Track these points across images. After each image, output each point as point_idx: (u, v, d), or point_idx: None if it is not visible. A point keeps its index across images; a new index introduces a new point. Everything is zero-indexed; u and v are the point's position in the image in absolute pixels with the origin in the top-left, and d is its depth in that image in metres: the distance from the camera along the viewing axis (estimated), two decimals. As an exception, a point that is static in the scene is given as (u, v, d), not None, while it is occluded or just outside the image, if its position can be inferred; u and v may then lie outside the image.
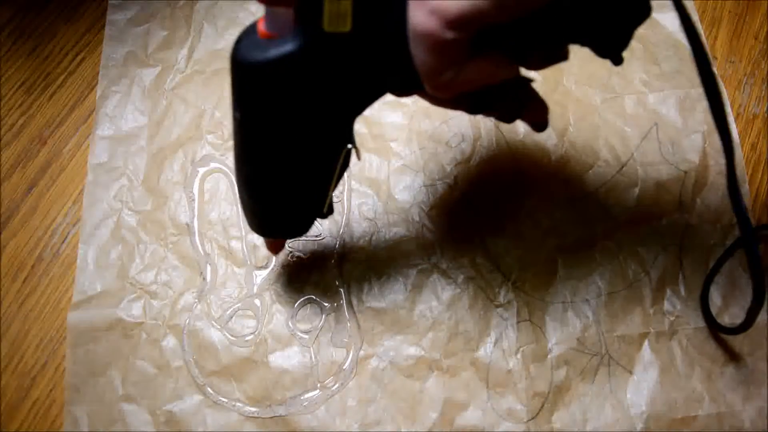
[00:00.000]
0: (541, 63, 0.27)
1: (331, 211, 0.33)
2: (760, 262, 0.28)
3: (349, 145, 0.28)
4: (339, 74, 0.25)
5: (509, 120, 0.31)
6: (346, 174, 0.40)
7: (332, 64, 0.24)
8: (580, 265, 0.38)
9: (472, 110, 0.30)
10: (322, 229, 0.39)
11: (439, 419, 0.35)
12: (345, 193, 0.40)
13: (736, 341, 0.36)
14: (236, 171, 0.30)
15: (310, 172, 0.29)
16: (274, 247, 0.36)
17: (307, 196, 0.31)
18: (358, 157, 0.29)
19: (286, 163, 0.28)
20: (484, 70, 0.24)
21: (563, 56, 0.26)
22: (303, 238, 0.39)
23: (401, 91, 0.28)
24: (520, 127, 0.41)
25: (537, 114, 0.31)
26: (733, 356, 0.36)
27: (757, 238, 0.30)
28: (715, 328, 0.36)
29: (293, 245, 0.39)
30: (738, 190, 0.27)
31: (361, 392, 0.35)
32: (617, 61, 0.27)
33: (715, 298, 0.37)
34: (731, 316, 0.37)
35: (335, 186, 0.30)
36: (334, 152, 0.28)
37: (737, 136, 0.41)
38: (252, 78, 0.24)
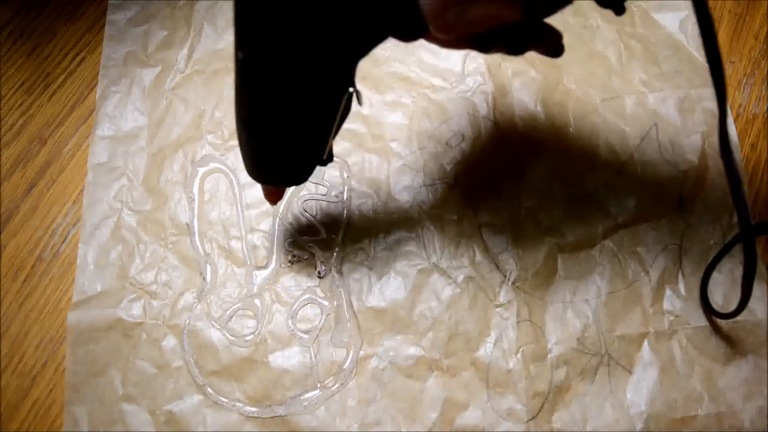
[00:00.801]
0: (547, 7, 0.26)
1: (330, 158, 0.33)
2: (755, 248, 0.30)
3: (351, 89, 0.28)
4: (342, 13, 0.24)
5: (519, 53, 0.30)
6: (345, 173, 0.40)
7: (335, 2, 0.24)
8: (580, 265, 0.38)
9: (479, 48, 0.30)
10: (322, 228, 0.39)
11: (439, 419, 0.35)
12: (345, 193, 0.40)
13: (737, 341, 0.36)
14: (236, 113, 0.29)
15: (311, 114, 0.29)
16: (272, 197, 0.35)
17: (307, 140, 0.30)
18: (359, 101, 0.29)
19: (286, 105, 0.28)
20: (489, 11, 0.24)
21: (568, 0, 0.26)
22: (302, 238, 0.39)
23: (405, 35, 0.28)
24: (520, 127, 0.41)
25: (549, 42, 0.30)
26: (732, 355, 0.36)
27: (756, 229, 0.30)
28: (712, 314, 0.36)
29: (293, 246, 0.39)
30: (734, 164, 0.28)
31: (361, 392, 0.35)
32: (619, 10, 0.26)
33: (716, 297, 0.37)
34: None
35: (336, 132, 0.30)
36: (335, 96, 0.28)
37: (737, 137, 0.41)
38: (256, 15, 0.24)
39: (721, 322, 0.36)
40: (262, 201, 0.40)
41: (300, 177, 0.33)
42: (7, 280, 0.38)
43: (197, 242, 0.39)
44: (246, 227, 0.39)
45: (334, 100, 0.28)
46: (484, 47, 0.30)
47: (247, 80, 0.27)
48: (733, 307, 0.36)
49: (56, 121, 0.43)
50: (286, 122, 0.28)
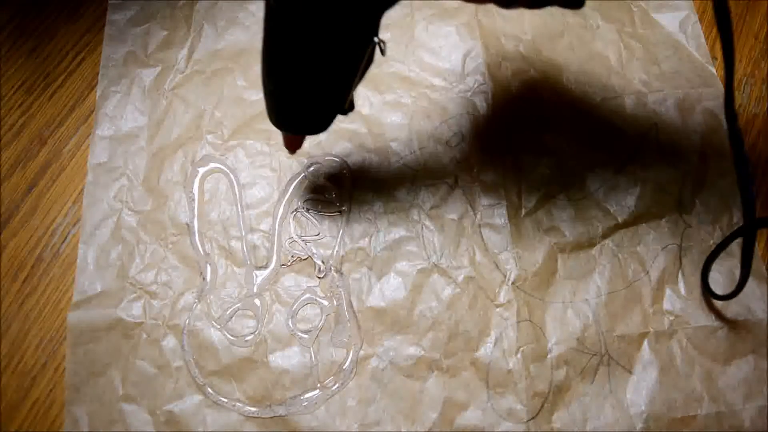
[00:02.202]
0: None
1: (351, 108, 0.33)
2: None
3: (376, 39, 0.28)
4: None
5: (539, 6, 0.31)
6: (345, 173, 0.40)
7: None
8: (580, 265, 0.38)
9: (501, 3, 0.30)
10: (322, 228, 0.39)
11: (439, 419, 0.35)
12: (345, 194, 0.40)
13: (737, 341, 0.36)
14: (262, 61, 0.30)
15: (336, 62, 0.29)
16: (292, 144, 0.36)
17: (330, 89, 0.31)
18: (383, 52, 0.29)
19: (312, 52, 0.28)
20: None
21: None
22: (302, 238, 0.39)
23: None
24: (520, 127, 0.41)
25: None
26: (733, 355, 0.36)
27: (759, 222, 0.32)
28: (712, 296, 0.37)
29: (293, 246, 0.39)
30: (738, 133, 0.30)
31: (361, 392, 0.35)
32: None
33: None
34: (732, 312, 0.37)
35: (359, 81, 0.31)
36: (360, 45, 0.29)
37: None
38: None
39: (722, 322, 0.36)
40: (262, 201, 0.40)
41: (321, 125, 0.33)
42: (7, 280, 0.38)
43: (197, 242, 0.39)
44: (246, 227, 0.39)
45: (359, 49, 0.29)
46: (507, 2, 0.30)
47: (275, 27, 0.28)
48: (732, 306, 0.37)
49: (56, 121, 0.43)
50: (310, 69, 0.29)
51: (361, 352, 0.36)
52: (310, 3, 0.26)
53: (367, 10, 0.27)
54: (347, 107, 0.33)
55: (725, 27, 0.27)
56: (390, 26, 0.45)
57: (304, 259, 0.38)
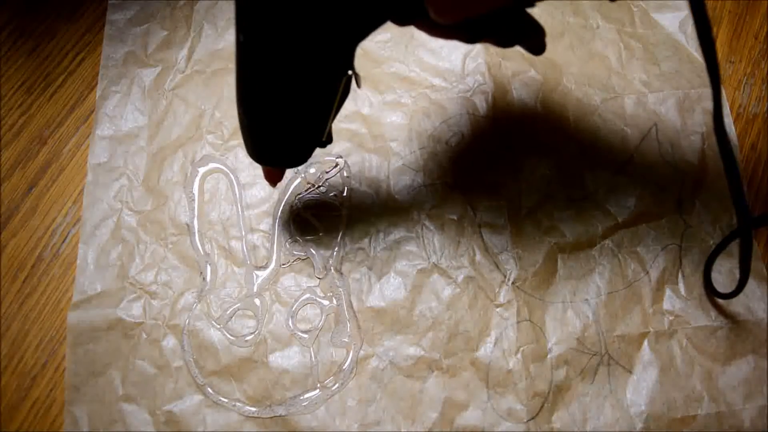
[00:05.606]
0: None
1: (329, 140, 0.33)
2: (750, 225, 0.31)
3: (350, 72, 0.28)
4: None
5: (507, 45, 0.31)
6: (345, 172, 0.40)
7: None
8: (580, 265, 0.38)
9: (470, 39, 0.30)
10: (321, 228, 0.39)
11: (439, 419, 0.35)
12: (345, 193, 0.40)
13: (737, 341, 0.36)
14: (237, 96, 0.30)
15: (310, 97, 0.29)
16: (272, 177, 0.36)
17: (307, 123, 0.31)
18: (358, 84, 0.29)
19: (286, 87, 0.28)
20: None
21: None
22: (302, 238, 0.39)
23: (402, 19, 0.28)
24: (520, 127, 0.41)
25: (533, 38, 0.31)
26: (733, 355, 0.36)
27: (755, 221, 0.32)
28: (714, 295, 0.37)
29: (293, 246, 0.39)
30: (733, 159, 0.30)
31: (361, 392, 0.35)
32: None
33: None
34: (732, 312, 0.37)
35: (335, 114, 0.31)
36: (334, 78, 0.28)
37: (736, 137, 0.41)
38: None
39: (722, 322, 0.36)
40: (262, 201, 0.40)
41: (299, 158, 0.33)
42: (7, 280, 0.38)
43: (197, 242, 0.39)
44: (246, 227, 0.39)
45: (333, 83, 0.29)
46: (474, 38, 0.30)
47: (248, 63, 0.27)
48: (732, 306, 0.37)
49: (56, 121, 0.43)
50: (285, 104, 0.29)
51: (361, 352, 0.36)
52: (281, 38, 0.26)
53: (339, 44, 0.27)
54: (325, 139, 0.32)
55: (707, 40, 0.27)
56: (390, 26, 0.45)
57: (304, 259, 0.38)
